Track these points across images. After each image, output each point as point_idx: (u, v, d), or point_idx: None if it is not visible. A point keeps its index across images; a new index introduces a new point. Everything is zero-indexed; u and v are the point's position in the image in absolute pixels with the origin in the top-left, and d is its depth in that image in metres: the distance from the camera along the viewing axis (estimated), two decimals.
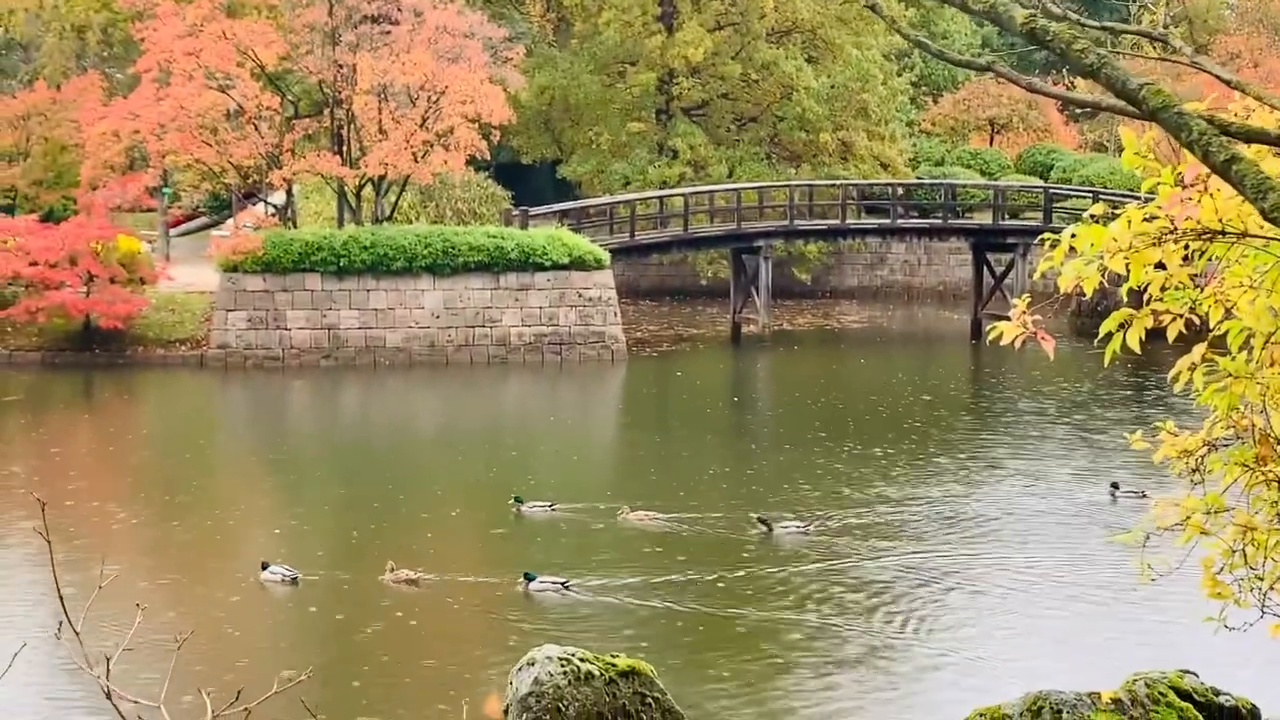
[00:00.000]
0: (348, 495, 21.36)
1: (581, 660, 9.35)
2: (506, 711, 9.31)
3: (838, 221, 43.38)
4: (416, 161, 35.25)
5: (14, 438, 26.06)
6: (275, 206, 38.16)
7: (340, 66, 35.68)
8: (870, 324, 46.31)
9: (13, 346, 33.92)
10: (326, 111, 37.62)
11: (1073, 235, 5.42)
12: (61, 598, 2.87)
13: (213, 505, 20.71)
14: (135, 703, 2.41)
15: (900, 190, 47.01)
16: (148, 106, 34.36)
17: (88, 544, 17.95)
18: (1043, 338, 5.77)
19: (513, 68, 37.78)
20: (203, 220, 52.59)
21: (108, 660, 2.33)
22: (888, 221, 44.67)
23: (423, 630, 15.12)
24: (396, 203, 38.58)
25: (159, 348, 34.38)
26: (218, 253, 34.70)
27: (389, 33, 36.25)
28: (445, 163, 35.91)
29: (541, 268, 35.47)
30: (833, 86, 50.17)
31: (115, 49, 55.69)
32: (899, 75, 54.41)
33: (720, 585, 16.55)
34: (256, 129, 35.20)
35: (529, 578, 15.80)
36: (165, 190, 42.04)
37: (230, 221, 45.04)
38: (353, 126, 36.49)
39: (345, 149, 36.56)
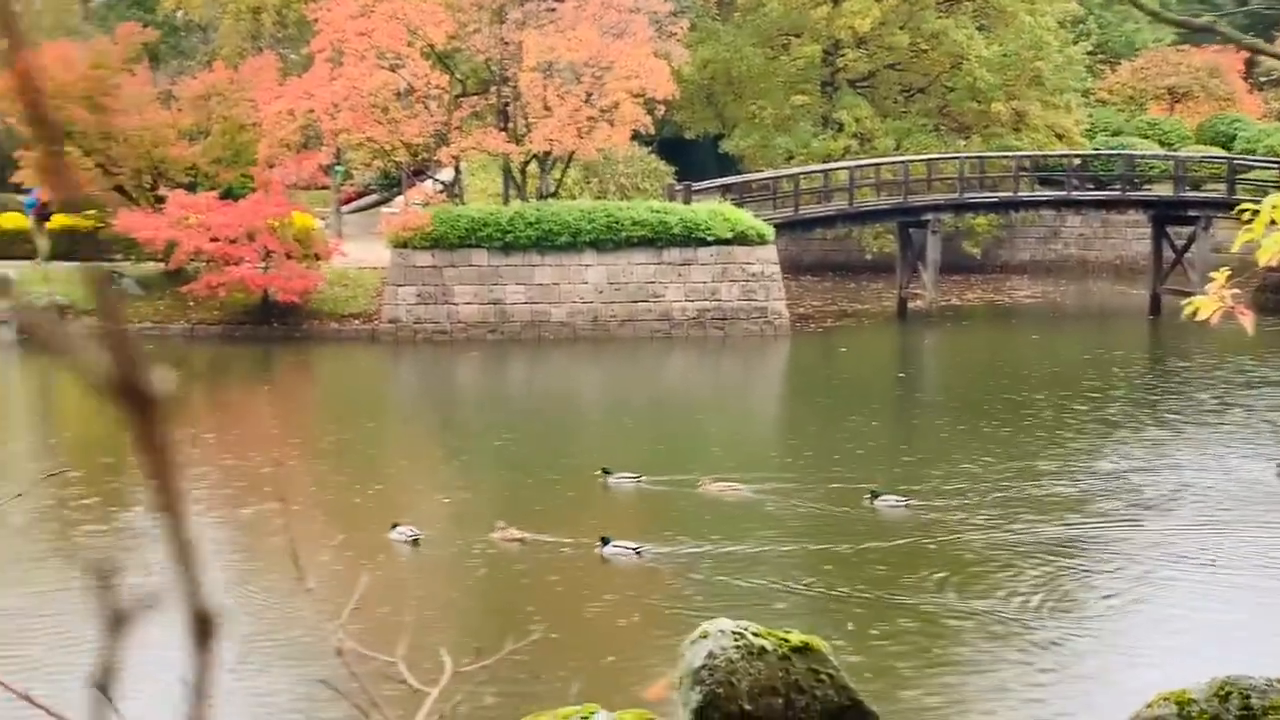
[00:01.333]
0: (507, 462, 21.56)
1: (755, 635, 9.31)
2: (679, 683, 9.32)
3: (1010, 193, 42.42)
4: (581, 137, 35.44)
5: (201, 408, 26.96)
6: (443, 183, 38.76)
7: (507, 44, 36.02)
8: (1043, 299, 45.23)
9: (195, 320, 35.10)
10: (493, 89, 38.04)
11: (1274, 206, 5.16)
12: (296, 561, 2.89)
13: (388, 470, 21.16)
14: (375, 658, 2.43)
15: (1076, 161, 45.74)
16: (321, 86, 35.15)
17: (272, 509, 18.48)
18: (1241, 312, 5.53)
19: (677, 42, 37.72)
20: (373, 197, 53.71)
21: (339, 619, 2.34)
22: (1063, 193, 43.53)
23: (580, 598, 15.20)
24: (561, 179, 38.87)
25: (333, 322, 35.24)
26: (388, 229, 35.40)
27: (554, 9, 36.48)
28: (609, 138, 36.04)
29: (704, 243, 35.41)
30: (1005, 55, 48.98)
31: (289, 30, 57.13)
32: (1074, 43, 52.86)
33: (860, 559, 16.33)
34: (426, 107, 35.77)
35: (605, 541, 16.13)
36: (338, 168, 43.00)
37: (400, 198, 45.91)
38: (518, 103, 36.84)
39: (511, 126, 36.93)
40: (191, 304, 35.03)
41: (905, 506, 18.31)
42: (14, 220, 40.61)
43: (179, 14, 62.13)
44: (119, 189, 37.10)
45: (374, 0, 35.15)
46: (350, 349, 34.19)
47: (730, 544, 16.84)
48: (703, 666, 9.06)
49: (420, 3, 35.17)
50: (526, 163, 37.42)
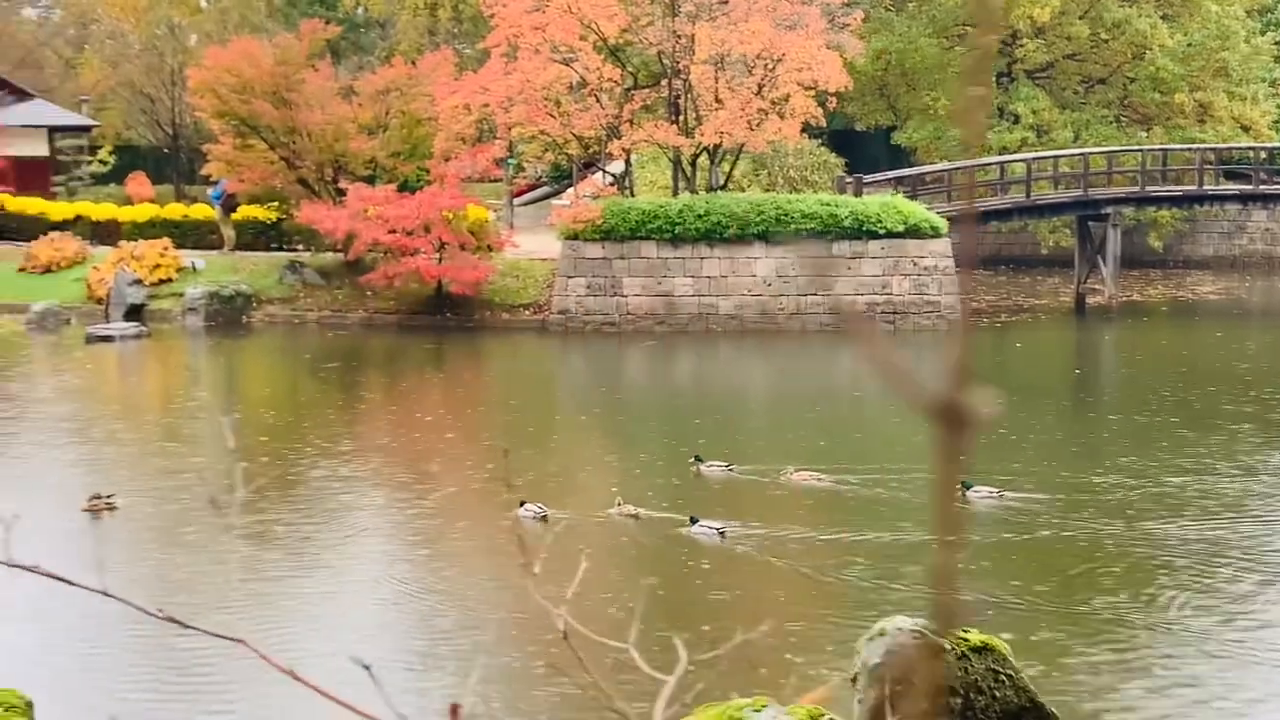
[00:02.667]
0: (671, 449, 21.56)
1: (933, 633, 9.16)
2: (854, 679, 9.23)
3: (1194, 187, 41.04)
4: (751, 130, 35.32)
5: (379, 394, 27.63)
6: (613, 176, 39.01)
7: (679, 37, 36.07)
8: (1227, 295, 43.68)
9: (372, 309, 35.97)
10: (664, 82, 38.14)
11: None
12: (521, 540, 2.91)
13: (548, 454, 21.37)
14: (602, 642, 2.43)
15: (1263, 154, 44.05)
16: (496, 80, 35.65)
17: (452, 493, 18.84)
18: None
19: (850, 33, 37.33)
20: (544, 189, 54.36)
21: (561, 602, 2.35)
22: (1249, 187, 41.96)
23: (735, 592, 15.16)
24: (730, 171, 38.81)
25: (504, 312, 35.76)
26: (559, 221, 35.76)
27: (727, 2, 36.40)
28: (780, 130, 35.84)
29: (875, 235, 35.00)
30: (1189, 45, 47.38)
31: (465, 25, 58.17)
32: (1262, 33, 50.89)
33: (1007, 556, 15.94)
34: (597, 100, 36.04)
35: (693, 521, 16.60)
36: (510, 161, 43.60)
37: (570, 191, 46.35)
38: (689, 96, 36.87)
39: (682, 119, 36.99)
40: (369, 294, 35.89)
41: (998, 498, 18.13)
42: (202, 211, 42.16)
43: (359, 10, 63.77)
44: (302, 182, 38.16)
45: None
46: (520, 339, 34.65)
47: (836, 534, 16.66)
48: (880, 664, 8.97)
49: None
50: (696, 155, 37.44)
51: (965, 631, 9.57)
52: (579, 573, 2.55)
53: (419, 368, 31.74)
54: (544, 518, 17.16)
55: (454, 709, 1.82)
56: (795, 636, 13.28)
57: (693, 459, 20.07)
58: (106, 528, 16.55)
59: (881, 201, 35.74)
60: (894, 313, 35.02)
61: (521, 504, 17.28)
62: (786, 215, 35.02)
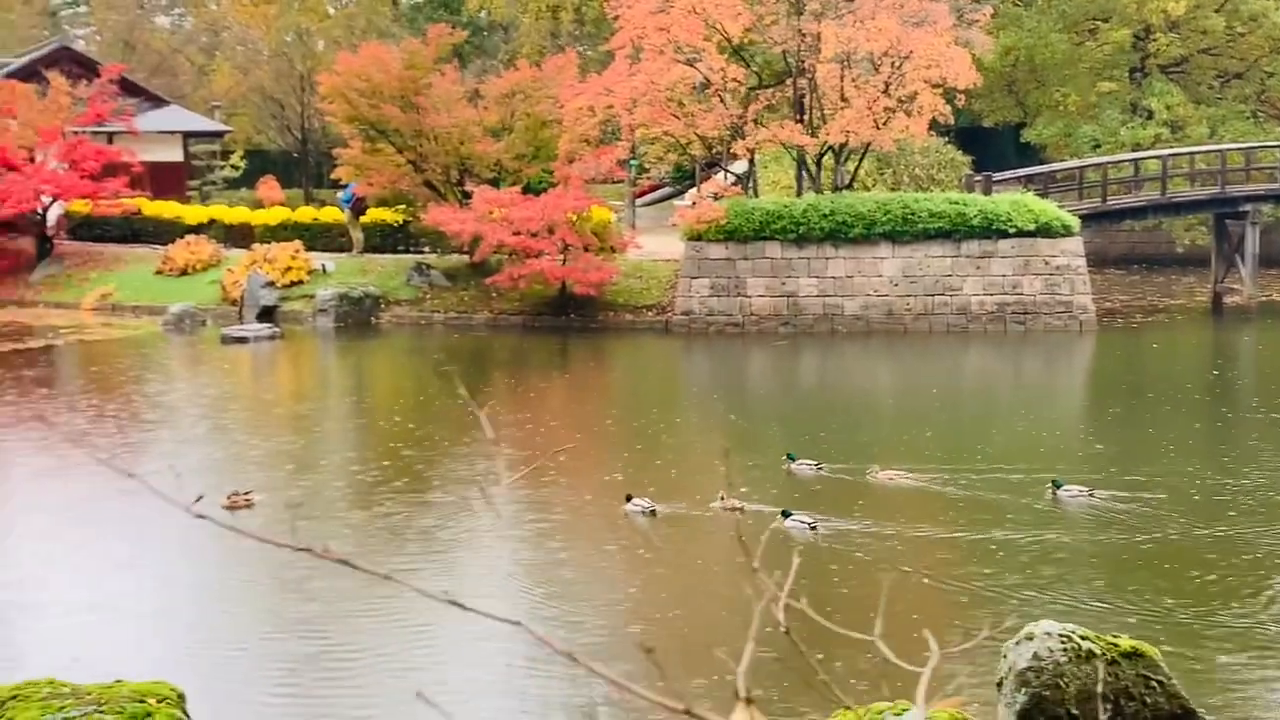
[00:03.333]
0: (785, 448, 21.35)
1: (1082, 638, 8.93)
2: (1000, 684, 9.03)
3: None
4: (878, 128, 34.95)
5: (507, 392, 27.80)
6: (736, 176, 38.87)
7: (804, 35, 35.81)
8: None
9: (497, 311, 36.28)
10: (788, 81, 37.91)
11: None
12: (742, 540, 2.85)
13: (689, 453, 21.32)
14: (853, 635, 2.37)
15: None
16: (620, 81, 35.72)
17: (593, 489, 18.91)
18: None
19: (979, 29, 36.75)
20: (665, 190, 54.39)
21: (779, 592, 2.29)
22: None
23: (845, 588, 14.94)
24: (856, 170, 38.45)
25: (627, 313, 35.83)
26: (683, 221, 35.71)
27: None
28: (907, 129, 35.42)
29: (1005, 234, 34.42)
30: None
31: (587, 28, 58.45)
32: None
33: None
34: (721, 100, 35.94)
35: (785, 514, 16.80)
36: (632, 162, 43.68)
37: (692, 191, 46.29)
38: (814, 95, 36.60)
39: (806, 118, 36.73)
40: (494, 295, 36.20)
41: (1089, 496, 17.87)
42: (331, 214, 42.91)
43: (482, 14, 64.40)
44: (428, 185, 38.61)
45: None
46: (644, 340, 34.68)
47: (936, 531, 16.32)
48: (1028, 668, 8.75)
49: None
50: (821, 154, 37.15)
51: (1115, 637, 9.31)
52: (792, 570, 2.47)
53: (544, 368, 31.88)
54: (652, 512, 17.40)
55: (746, 700, 1.79)
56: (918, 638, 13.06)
57: (785, 456, 20.15)
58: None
59: (1011, 200, 35.12)
60: (1024, 313, 34.40)
61: (629, 499, 17.60)
62: (913, 214, 34.59)
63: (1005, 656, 9.13)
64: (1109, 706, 8.78)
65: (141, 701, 8.80)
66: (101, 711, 8.63)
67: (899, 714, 9.73)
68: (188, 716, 8.92)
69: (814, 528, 16.79)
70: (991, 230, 34.42)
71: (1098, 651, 8.90)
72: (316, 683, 11.85)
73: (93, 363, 31.17)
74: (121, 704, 8.71)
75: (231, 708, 10.96)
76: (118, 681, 9.02)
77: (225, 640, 12.91)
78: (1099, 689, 8.67)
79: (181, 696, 9.07)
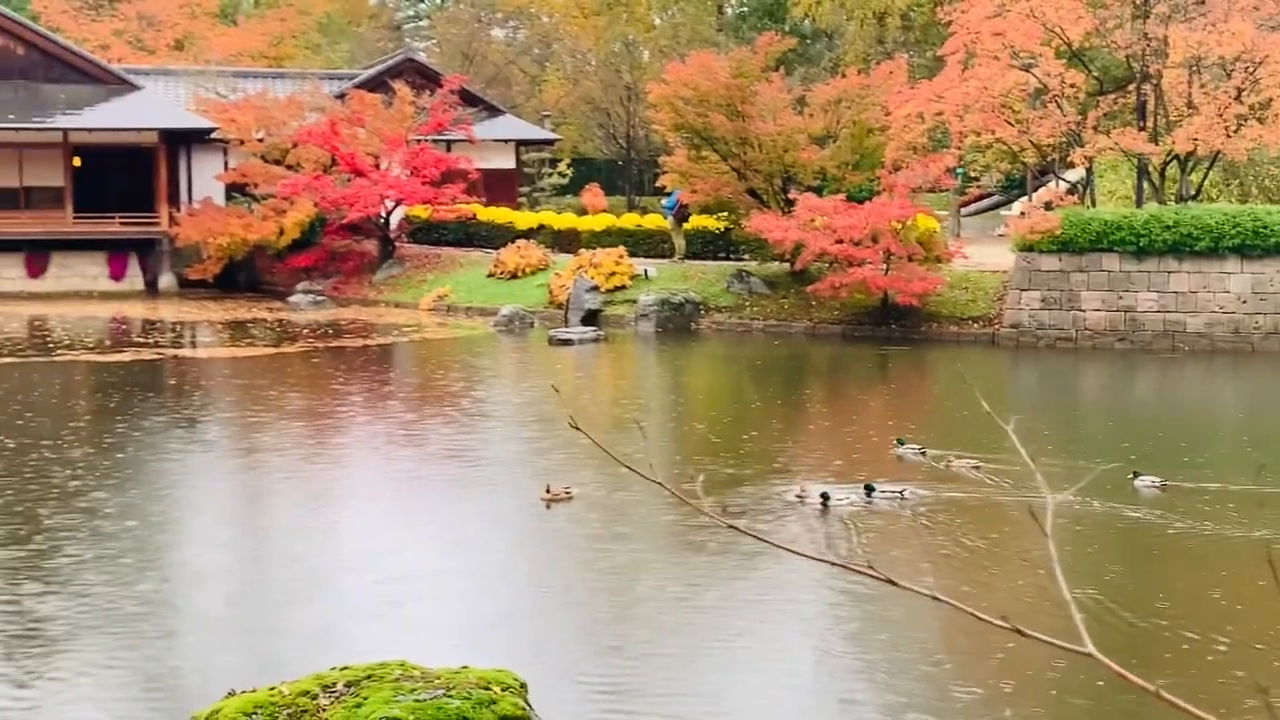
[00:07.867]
0: (1112, 460, 20.20)
1: None
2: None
3: None
4: (1229, 136, 32.96)
5: (823, 401, 27.46)
6: (1071, 184, 37.39)
7: (1149, 39, 34.15)
8: None
9: (816, 319, 35.97)
10: (1130, 87, 36.22)
11: None
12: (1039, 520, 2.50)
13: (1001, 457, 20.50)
14: (1061, 647, 2.04)
15: None
16: (951, 87, 34.90)
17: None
18: None
19: None
20: (991, 199, 52.92)
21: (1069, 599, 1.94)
22: None
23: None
24: (1202, 181, 36.38)
25: (951, 325, 34.90)
26: (1014, 231, 34.56)
27: (1204, 1, 34.17)
28: (1260, 137, 33.33)
29: None
30: None
31: (914, 33, 57.48)
32: None
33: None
34: (1059, 107, 34.61)
35: (869, 489, 17.06)
36: (959, 170, 42.65)
37: (1021, 200, 44.84)
38: (1159, 101, 34.82)
39: (1149, 125, 34.98)
40: (814, 303, 35.92)
41: (1160, 488, 17.54)
42: (654, 221, 43.57)
43: (806, 22, 64.24)
44: (751, 192, 38.67)
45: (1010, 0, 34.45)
46: (968, 353, 33.65)
47: None
48: None
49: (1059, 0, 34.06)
50: (1166, 163, 35.31)
51: None
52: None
53: (867, 378, 31.34)
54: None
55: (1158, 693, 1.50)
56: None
57: (895, 440, 20.21)
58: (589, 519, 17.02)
59: None
60: None
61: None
62: (1266, 228, 32.45)
63: None
64: None
65: (486, 688, 8.94)
66: (450, 695, 8.79)
67: None
68: (529, 706, 9.00)
69: (904, 496, 17.28)
70: None
71: None
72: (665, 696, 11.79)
73: (437, 359, 32.28)
74: (468, 689, 8.85)
75: (575, 693, 10.98)
76: (464, 668, 9.18)
77: (568, 630, 12.90)
78: None
79: (524, 686, 9.17)
